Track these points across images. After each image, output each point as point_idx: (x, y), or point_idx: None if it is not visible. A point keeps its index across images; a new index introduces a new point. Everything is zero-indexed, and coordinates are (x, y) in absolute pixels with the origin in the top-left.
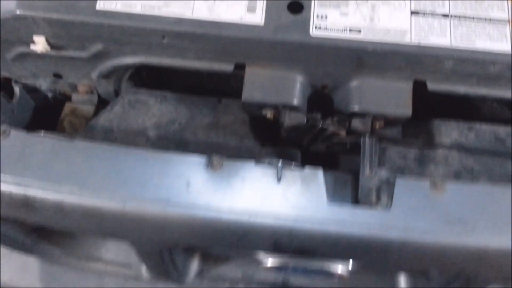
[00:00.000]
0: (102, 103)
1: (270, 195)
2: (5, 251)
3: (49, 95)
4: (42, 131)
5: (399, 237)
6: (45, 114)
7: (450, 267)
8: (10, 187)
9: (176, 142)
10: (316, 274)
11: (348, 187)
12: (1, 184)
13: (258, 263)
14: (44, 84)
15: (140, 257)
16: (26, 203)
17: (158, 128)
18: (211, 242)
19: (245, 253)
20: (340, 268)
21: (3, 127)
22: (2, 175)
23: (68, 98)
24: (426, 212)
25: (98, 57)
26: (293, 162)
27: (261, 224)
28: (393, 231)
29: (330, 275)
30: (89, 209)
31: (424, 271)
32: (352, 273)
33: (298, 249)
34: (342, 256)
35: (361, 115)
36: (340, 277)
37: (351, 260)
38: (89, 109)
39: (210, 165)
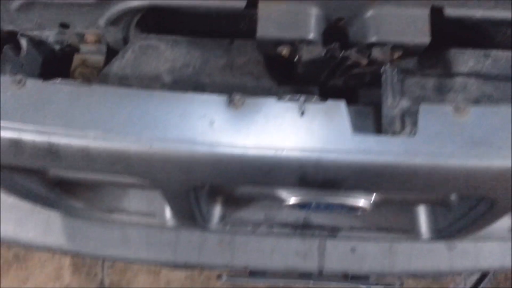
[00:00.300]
0: (111, 53)
1: (294, 129)
2: (28, 210)
3: (57, 47)
4: (58, 78)
5: (425, 163)
6: (54, 68)
7: (476, 190)
8: (33, 136)
9: (192, 86)
10: (338, 209)
11: (370, 119)
12: (24, 133)
13: (281, 202)
14: (51, 35)
15: (166, 200)
16: (51, 151)
17: (173, 72)
18: (237, 179)
19: (269, 192)
20: (362, 201)
21: (18, 76)
22: (23, 124)
23: (76, 50)
24: (450, 136)
25: (105, 0)
26: (315, 96)
27: (287, 158)
28: (419, 157)
29: (352, 209)
30: (116, 153)
31: (448, 196)
32: (373, 207)
33: (324, 181)
34: (367, 185)
35: (380, 45)
36: (363, 210)
37: (373, 194)
38: (98, 59)
39: (231, 103)
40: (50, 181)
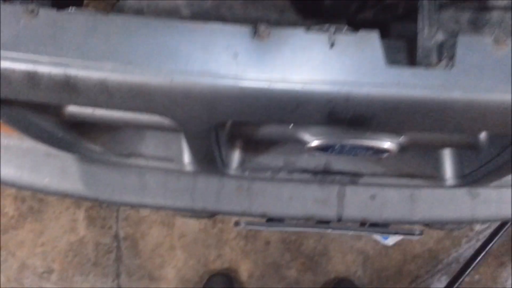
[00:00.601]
0: None
1: (324, 62)
2: (43, 155)
3: None
4: (72, 7)
5: (463, 97)
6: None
7: None
8: (49, 68)
9: (212, 19)
10: (363, 152)
11: (404, 52)
12: (39, 65)
13: (304, 144)
14: None
15: (186, 141)
16: (68, 84)
17: (191, 5)
18: (262, 116)
19: (291, 134)
20: (388, 143)
21: (31, 6)
22: (38, 56)
23: None
24: (490, 70)
25: None
26: (346, 26)
27: (316, 92)
28: (456, 91)
29: (378, 152)
30: (135, 86)
31: (478, 137)
32: (398, 150)
33: (353, 118)
34: (399, 123)
35: None
36: (388, 153)
37: (401, 136)
38: None
39: (256, 34)
40: (66, 121)
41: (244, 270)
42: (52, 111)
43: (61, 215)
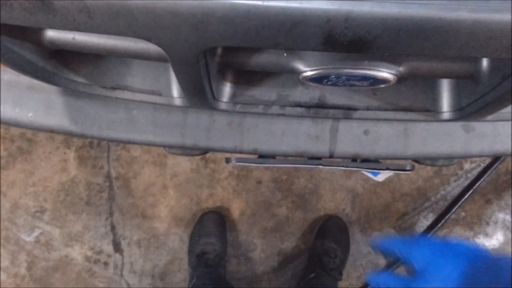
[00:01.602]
0: None
1: None
2: (26, 88)
3: None
4: None
5: (469, 16)
6: None
7: None
8: None
9: None
10: (360, 82)
11: None
12: None
13: (298, 74)
14: None
15: (173, 69)
16: (43, 2)
17: None
18: (255, 38)
19: (285, 63)
20: (386, 72)
21: None
22: None
23: None
24: None
25: None
26: None
27: (315, 10)
28: (462, 10)
29: (376, 82)
30: (116, 4)
31: (480, 66)
32: (396, 80)
33: (352, 41)
34: (401, 46)
35: None
36: (387, 82)
37: (399, 65)
38: None
39: None
40: (47, 48)
41: (236, 208)
42: (31, 36)
43: (51, 155)
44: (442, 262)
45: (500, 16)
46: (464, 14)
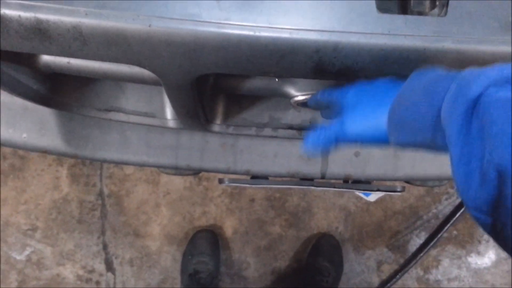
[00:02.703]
0: None
1: (312, 8)
2: (20, 109)
3: None
4: None
5: (453, 47)
6: None
7: None
8: (18, 11)
9: None
10: None
11: None
12: (7, 7)
13: (290, 98)
14: None
15: (167, 94)
16: (39, 28)
17: None
18: (247, 67)
19: (276, 88)
20: None
21: None
22: None
23: None
24: (483, 18)
25: None
26: None
27: (304, 40)
28: (447, 41)
29: None
30: (111, 32)
31: None
32: None
33: (342, 69)
34: (390, 73)
35: None
36: None
37: None
38: None
39: None
40: (41, 72)
41: (229, 226)
42: (26, 60)
43: (43, 172)
44: (377, 88)
45: (484, 46)
46: (448, 44)
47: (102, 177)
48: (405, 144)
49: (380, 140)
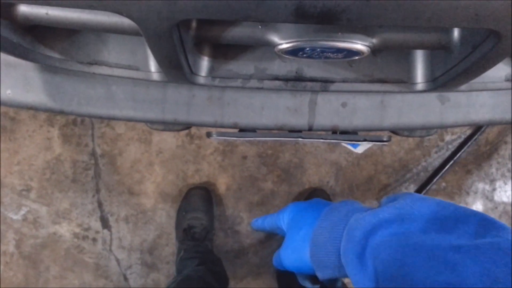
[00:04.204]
0: None
1: None
2: (3, 66)
3: None
4: None
5: None
6: None
7: (488, 20)
8: None
9: None
10: (335, 54)
11: None
12: None
13: (273, 46)
14: None
15: (148, 45)
16: None
17: None
18: (226, 9)
19: (260, 36)
20: (360, 45)
21: None
22: None
23: None
24: None
25: None
26: None
27: None
28: None
29: (350, 54)
30: None
31: (451, 36)
32: (370, 52)
33: (323, 12)
34: (371, 16)
35: None
36: (361, 54)
37: (372, 38)
38: None
39: None
40: (20, 23)
41: (222, 183)
42: (4, 12)
43: (35, 133)
44: (304, 217)
45: None
46: None
47: (94, 137)
48: (327, 279)
49: (314, 273)
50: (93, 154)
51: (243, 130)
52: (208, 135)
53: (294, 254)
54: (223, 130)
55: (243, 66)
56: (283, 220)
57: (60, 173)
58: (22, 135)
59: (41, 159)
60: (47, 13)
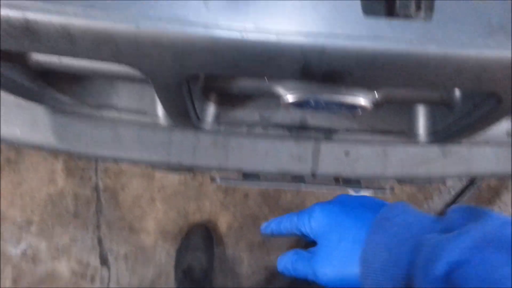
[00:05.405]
0: None
1: (299, 11)
2: (13, 105)
3: None
4: None
5: (438, 51)
6: None
7: (490, 83)
8: (8, 11)
9: None
10: (338, 108)
11: (382, 0)
12: None
13: (278, 99)
14: None
15: (157, 95)
16: (27, 28)
17: None
18: (234, 68)
19: (266, 88)
20: (363, 99)
21: None
22: None
23: None
24: (469, 21)
25: None
26: None
27: (291, 43)
28: (432, 45)
29: (353, 108)
30: (99, 33)
31: (453, 93)
32: (373, 106)
33: (328, 73)
34: (374, 77)
35: None
36: (363, 109)
37: (375, 92)
38: None
39: None
40: (33, 69)
41: (223, 222)
42: (17, 58)
43: (39, 166)
44: (342, 225)
45: (469, 50)
46: (433, 49)
47: (97, 171)
48: None
49: None
50: (95, 188)
51: (246, 175)
52: (212, 179)
53: (335, 271)
54: (226, 175)
55: (248, 113)
56: (308, 224)
57: (62, 207)
58: (26, 167)
59: (44, 192)
60: (59, 60)
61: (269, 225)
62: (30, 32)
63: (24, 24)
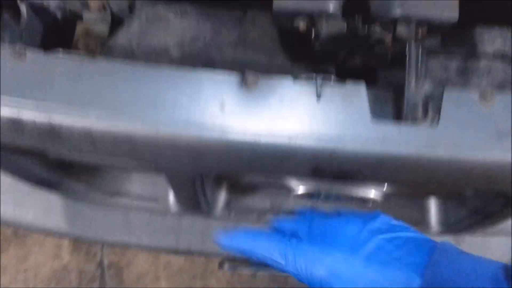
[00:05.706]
0: (116, 22)
1: (310, 115)
2: (27, 191)
3: (58, 14)
4: (60, 49)
5: (448, 155)
6: (55, 37)
7: (496, 186)
8: (34, 114)
9: (202, 61)
10: (348, 201)
11: (390, 103)
12: (24, 111)
13: (289, 191)
14: (52, 2)
15: (171, 186)
16: (51, 131)
17: (182, 46)
18: (248, 168)
19: (277, 181)
20: (373, 193)
21: (18, 47)
22: (23, 100)
23: (79, 17)
24: (475, 126)
25: None
26: (332, 77)
27: (302, 147)
28: (441, 149)
29: (363, 201)
30: (120, 136)
31: (464, 190)
32: (383, 198)
33: (338, 173)
34: (383, 178)
35: (405, 20)
36: (373, 202)
37: (385, 184)
38: (103, 28)
39: (244, 83)
40: (51, 162)
41: None
42: (37, 153)
43: (46, 240)
44: None
45: (476, 154)
46: (441, 152)
47: (103, 247)
48: None
49: None
50: (100, 264)
51: (256, 262)
52: (220, 265)
53: None
54: (236, 261)
55: (259, 201)
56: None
57: (66, 283)
58: (33, 242)
59: (48, 267)
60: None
61: (236, 238)
62: (53, 135)
63: (48, 128)
